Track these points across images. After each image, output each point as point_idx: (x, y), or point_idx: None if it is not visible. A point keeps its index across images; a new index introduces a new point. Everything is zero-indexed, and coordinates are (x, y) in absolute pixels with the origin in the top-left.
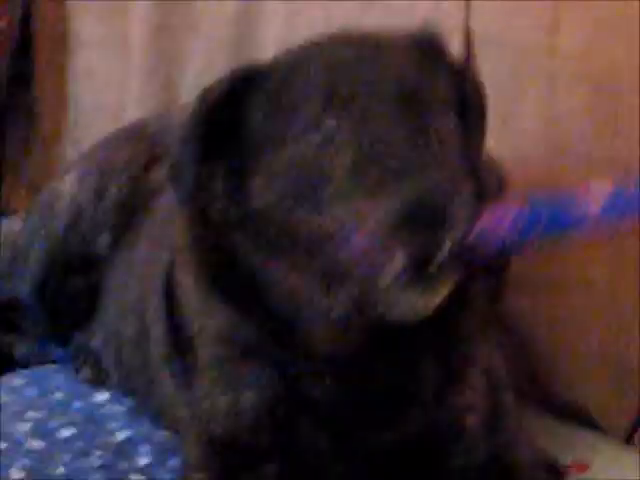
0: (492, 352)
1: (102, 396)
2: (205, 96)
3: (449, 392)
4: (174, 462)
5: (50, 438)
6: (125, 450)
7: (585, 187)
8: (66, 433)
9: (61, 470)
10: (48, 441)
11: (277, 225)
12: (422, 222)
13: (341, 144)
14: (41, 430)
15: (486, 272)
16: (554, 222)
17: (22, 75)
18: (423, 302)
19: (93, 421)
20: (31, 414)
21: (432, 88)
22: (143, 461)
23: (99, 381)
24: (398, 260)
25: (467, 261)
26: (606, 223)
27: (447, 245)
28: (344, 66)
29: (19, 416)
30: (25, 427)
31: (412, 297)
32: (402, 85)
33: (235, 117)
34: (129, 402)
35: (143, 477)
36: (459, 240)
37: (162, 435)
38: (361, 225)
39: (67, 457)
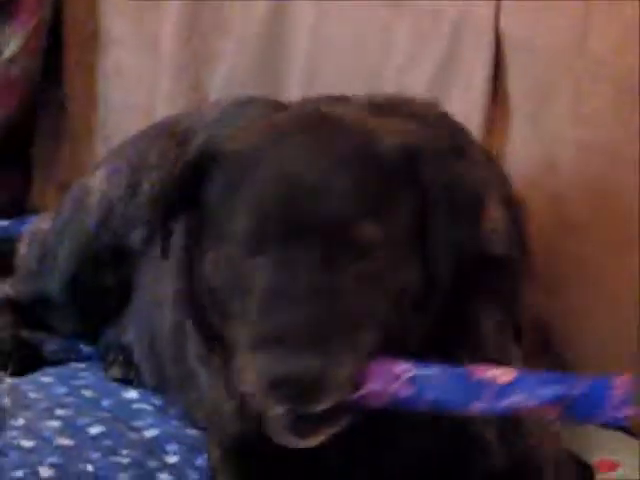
0: (510, 357)
1: (131, 394)
2: (183, 160)
3: None
4: (202, 461)
5: (79, 436)
6: (153, 448)
7: (482, 369)
8: (95, 431)
9: (90, 468)
10: (77, 439)
11: (220, 302)
12: (300, 382)
13: (257, 275)
14: (70, 428)
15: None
16: (447, 392)
17: (53, 73)
18: (298, 444)
19: (122, 419)
20: (60, 412)
21: (376, 218)
22: (171, 459)
23: (129, 378)
24: (276, 408)
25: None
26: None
27: (321, 405)
28: (289, 191)
29: (48, 414)
30: (54, 424)
31: (289, 439)
32: (336, 227)
33: (200, 187)
34: (158, 400)
35: (171, 476)
36: (335, 400)
37: (190, 434)
38: (247, 366)
39: (96, 455)
